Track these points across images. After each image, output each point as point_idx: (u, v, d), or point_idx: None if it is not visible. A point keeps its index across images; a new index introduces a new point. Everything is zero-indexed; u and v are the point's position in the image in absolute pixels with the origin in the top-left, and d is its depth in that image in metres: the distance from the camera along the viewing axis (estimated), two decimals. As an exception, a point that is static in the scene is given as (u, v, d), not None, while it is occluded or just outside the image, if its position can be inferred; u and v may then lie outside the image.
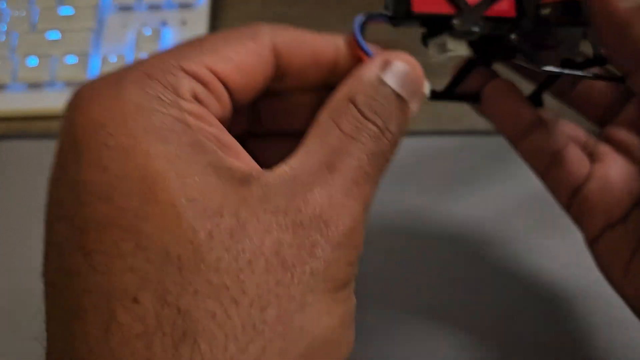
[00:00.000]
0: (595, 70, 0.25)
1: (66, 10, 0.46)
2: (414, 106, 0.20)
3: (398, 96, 0.20)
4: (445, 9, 0.22)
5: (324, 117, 0.19)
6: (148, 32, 0.45)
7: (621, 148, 0.26)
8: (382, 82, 0.20)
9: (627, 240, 0.25)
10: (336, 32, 0.49)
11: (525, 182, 0.37)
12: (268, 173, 0.18)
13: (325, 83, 0.22)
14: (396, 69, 0.20)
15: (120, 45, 0.45)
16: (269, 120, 0.23)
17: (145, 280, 0.16)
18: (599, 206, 0.25)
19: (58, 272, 0.17)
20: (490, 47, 0.24)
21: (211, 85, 0.19)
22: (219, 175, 0.17)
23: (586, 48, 0.25)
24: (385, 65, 0.20)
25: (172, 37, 0.46)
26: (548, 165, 0.26)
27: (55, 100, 0.44)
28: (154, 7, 0.47)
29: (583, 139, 0.27)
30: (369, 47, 0.21)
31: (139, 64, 0.18)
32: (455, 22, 0.22)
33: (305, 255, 0.17)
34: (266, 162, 0.19)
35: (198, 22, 0.46)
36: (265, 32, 0.20)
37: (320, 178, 0.18)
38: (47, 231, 0.18)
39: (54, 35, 0.45)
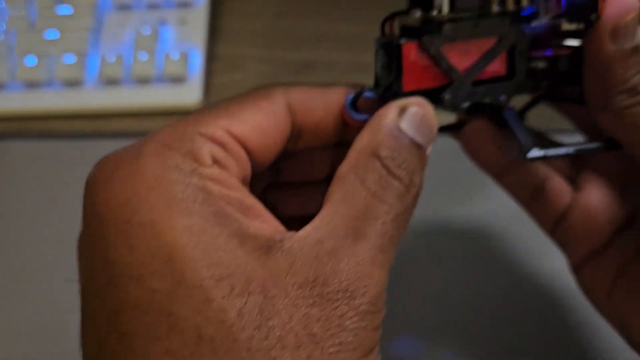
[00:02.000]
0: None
1: (65, 10, 0.46)
2: (429, 151, 0.20)
3: (416, 144, 0.20)
4: (437, 81, 0.21)
5: (348, 173, 0.19)
6: (147, 31, 0.45)
7: (603, 173, 0.26)
8: (401, 131, 0.19)
9: (609, 267, 0.25)
10: (336, 28, 0.49)
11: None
12: (293, 236, 0.18)
13: (340, 138, 0.22)
14: (412, 115, 0.20)
15: (119, 45, 0.45)
16: (288, 174, 0.23)
17: None
18: (581, 234, 0.26)
19: (95, 349, 0.17)
20: (479, 109, 0.24)
21: (229, 147, 0.19)
22: (244, 246, 0.17)
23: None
24: (402, 111, 0.20)
25: (171, 36, 0.46)
26: (530, 198, 0.27)
27: (53, 100, 0.43)
28: (152, 6, 0.47)
29: (566, 166, 0.27)
30: (364, 115, 0.21)
31: (156, 135, 0.19)
32: (446, 97, 0.21)
33: (333, 327, 0.17)
34: (286, 210, 0.21)
35: (197, 21, 0.46)
36: (278, 92, 0.20)
37: (346, 246, 0.18)
38: (83, 302, 0.18)
39: (52, 34, 0.45)
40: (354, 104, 0.21)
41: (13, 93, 0.44)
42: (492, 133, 0.25)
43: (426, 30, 0.20)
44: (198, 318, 0.16)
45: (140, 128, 0.43)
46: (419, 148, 0.20)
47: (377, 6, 0.49)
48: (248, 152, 0.19)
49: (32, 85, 0.44)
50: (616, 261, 0.25)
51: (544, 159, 0.24)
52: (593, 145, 0.25)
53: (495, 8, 0.21)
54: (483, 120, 0.25)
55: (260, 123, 0.19)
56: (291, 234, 0.18)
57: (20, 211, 0.39)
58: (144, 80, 0.44)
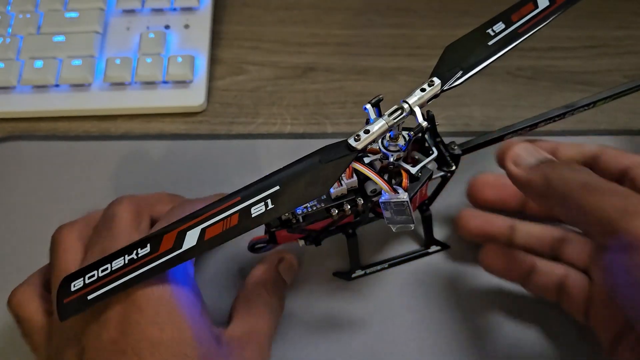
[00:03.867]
0: None
1: (71, 13, 0.47)
2: (289, 283, 0.36)
3: (284, 281, 0.35)
4: (302, 235, 0.33)
5: (248, 295, 0.34)
6: (151, 35, 0.46)
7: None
8: (278, 272, 0.35)
9: (637, 347, 0.28)
10: (335, 33, 0.50)
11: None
12: (225, 332, 0.31)
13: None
14: (285, 263, 0.35)
15: (124, 48, 0.46)
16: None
17: None
18: (605, 320, 0.30)
19: None
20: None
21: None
22: (209, 334, 0.30)
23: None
24: (280, 260, 0.35)
25: (175, 40, 0.47)
26: (557, 296, 0.32)
27: (60, 102, 0.44)
28: (157, 11, 0.48)
29: (580, 260, 0.32)
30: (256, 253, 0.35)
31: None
32: (306, 243, 0.33)
33: None
34: None
35: (201, 25, 0.47)
36: None
37: (248, 339, 0.31)
38: (88, 334, 0.28)
39: (59, 37, 0.46)
40: (251, 247, 0.34)
41: (21, 95, 0.45)
42: (502, 252, 0.34)
43: (291, 226, 0.32)
44: (194, 354, 0.28)
45: (145, 129, 0.44)
46: (285, 282, 0.35)
47: (374, 12, 0.50)
48: None
49: (40, 87, 0.45)
50: None
51: (363, 275, 0.36)
52: (407, 256, 0.36)
53: (335, 216, 0.31)
54: (496, 245, 0.34)
55: None
56: (224, 329, 0.32)
57: (28, 209, 0.40)
58: (149, 83, 0.45)
